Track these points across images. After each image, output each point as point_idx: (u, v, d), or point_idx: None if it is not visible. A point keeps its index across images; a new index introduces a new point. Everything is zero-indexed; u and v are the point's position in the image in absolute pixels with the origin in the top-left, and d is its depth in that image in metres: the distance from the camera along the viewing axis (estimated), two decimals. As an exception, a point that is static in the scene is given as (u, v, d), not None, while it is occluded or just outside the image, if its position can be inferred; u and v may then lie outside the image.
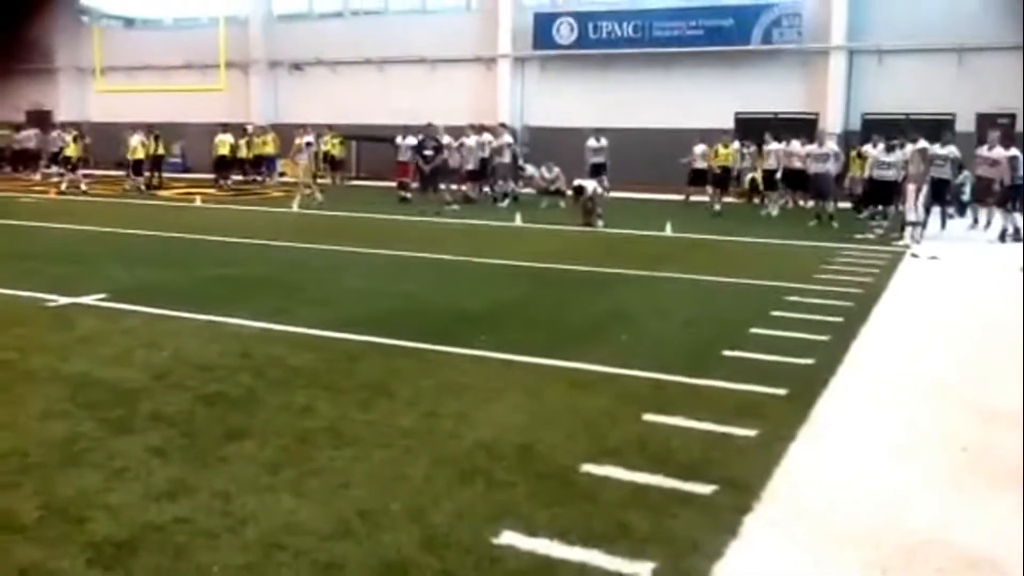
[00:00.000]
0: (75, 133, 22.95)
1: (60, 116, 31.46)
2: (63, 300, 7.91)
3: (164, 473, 4.02)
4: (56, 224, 14.47)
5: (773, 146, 18.56)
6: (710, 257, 11.69)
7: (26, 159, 27.24)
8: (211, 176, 24.44)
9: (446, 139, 19.35)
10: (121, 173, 23.60)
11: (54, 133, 25.16)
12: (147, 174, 22.86)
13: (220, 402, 5.06)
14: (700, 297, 8.80)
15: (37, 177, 25.01)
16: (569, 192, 15.85)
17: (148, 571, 3.15)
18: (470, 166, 20.19)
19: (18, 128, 28.66)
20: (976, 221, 16.42)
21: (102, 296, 8.08)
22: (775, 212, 17.30)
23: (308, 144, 20.58)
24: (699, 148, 20.01)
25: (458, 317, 7.65)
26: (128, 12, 33.24)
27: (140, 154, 22.29)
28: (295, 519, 3.54)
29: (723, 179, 19.48)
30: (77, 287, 8.40)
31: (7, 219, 15.03)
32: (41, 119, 31.01)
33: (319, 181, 24.50)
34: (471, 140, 20.30)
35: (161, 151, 24.50)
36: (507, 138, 20.36)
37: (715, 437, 4.53)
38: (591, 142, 21.02)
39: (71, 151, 22.21)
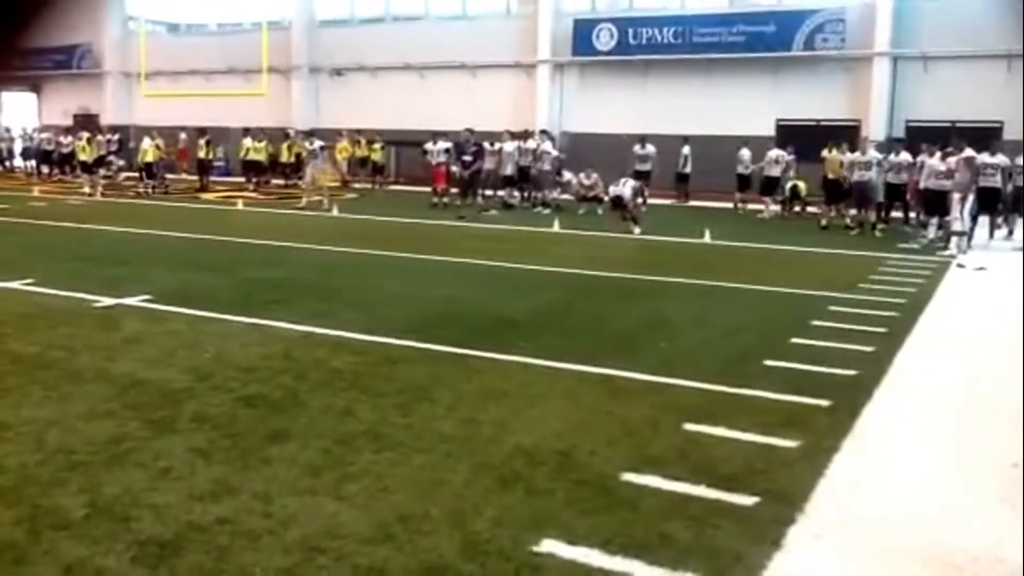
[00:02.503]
0: (87, 136, 23.44)
1: (107, 120, 32.05)
2: (109, 301, 8.04)
3: (207, 474, 4.06)
4: (101, 226, 14.71)
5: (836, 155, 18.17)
6: (751, 265, 11.58)
7: (72, 162, 27.73)
8: (254, 180, 24.73)
9: (485, 145, 19.40)
10: (171, 176, 24.06)
11: (85, 136, 25.52)
12: (159, 178, 23.24)
13: (262, 404, 5.11)
14: (741, 306, 8.71)
15: (82, 179, 25.43)
16: (607, 198, 15.78)
17: (191, 571, 3.18)
18: (508, 171, 20.22)
19: (67, 132, 29.23)
20: (1011, 232, 16.03)
21: (147, 297, 8.20)
22: (823, 221, 17.04)
23: (319, 150, 20.90)
24: (745, 153, 19.97)
25: (497, 322, 7.66)
26: (173, 18, 33.76)
27: (151, 157, 22.66)
28: (335, 522, 3.56)
29: (770, 186, 19.33)
30: (122, 288, 8.54)
31: (55, 221, 15.33)
32: (88, 123, 31.63)
33: (353, 185, 24.78)
34: (509, 145, 20.33)
35: (210, 155, 24.85)
36: (547, 145, 20.35)
37: (757, 448, 4.48)
38: (636, 149, 20.99)
39: (85, 154, 22.71)
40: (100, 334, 6.87)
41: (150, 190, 22.41)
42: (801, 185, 19.29)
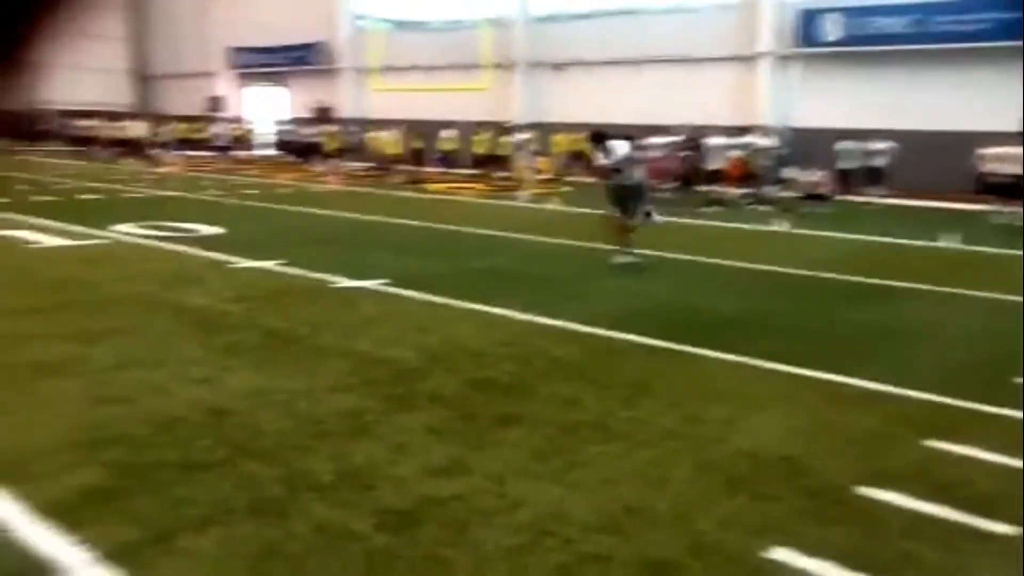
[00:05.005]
0: (330, 128, 25.17)
1: (342, 113, 34.26)
2: (347, 283, 8.61)
3: (441, 451, 4.28)
4: (338, 212, 15.74)
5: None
6: (995, 274, 10.68)
7: (311, 151, 29.93)
8: (474, 172, 25.64)
9: (705, 140, 19.05)
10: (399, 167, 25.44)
11: (327, 128, 27.36)
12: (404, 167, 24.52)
13: (491, 388, 5.31)
14: (984, 317, 8.06)
15: (320, 168, 27.38)
16: (832, 195, 15.05)
17: (431, 541, 3.37)
18: (721, 166, 19.75)
19: (308, 123, 31.60)
20: None
21: (382, 281, 8.70)
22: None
23: (525, 144, 21.22)
24: (994, 152, 18.43)
25: (716, 321, 7.53)
26: (399, 16, 35.47)
27: (391, 149, 23.96)
28: (562, 508, 3.65)
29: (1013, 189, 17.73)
30: (358, 271, 9.11)
31: (299, 206, 16.57)
32: (324, 115, 34.06)
33: (565, 179, 25.06)
34: (723, 140, 19.85)
35: (447, 147, 26.14)
36: (767, 140, 19.70)
37: (1010, 472, 4.15)
38: (868, 145, 19.99)
39: (329, 144, 24.40)
40: (341, 313, 7.38)
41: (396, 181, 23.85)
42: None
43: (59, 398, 4.95)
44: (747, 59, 26.32)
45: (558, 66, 30.28)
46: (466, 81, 28.90)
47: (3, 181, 20.22)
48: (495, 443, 4.38)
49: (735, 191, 19.81)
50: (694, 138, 19.25)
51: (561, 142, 26.14)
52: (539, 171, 24.07)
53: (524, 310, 7.43)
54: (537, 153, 24.76)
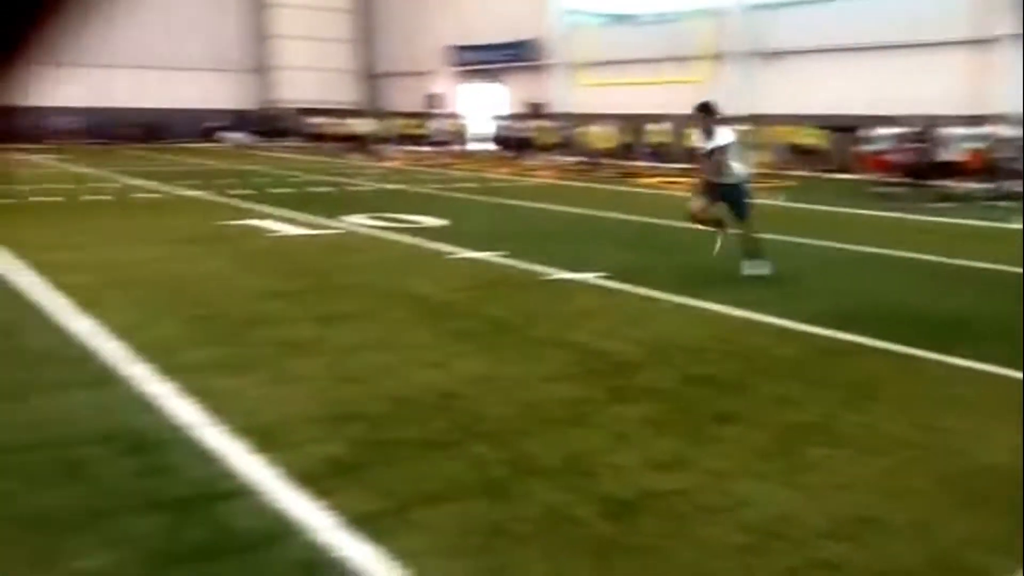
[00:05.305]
0: (542, 123, 25.53)
1: (553, 108, 34.81)
2: (563, 275, 8.77)
3: (660, 444, 4.29)
4: (552, 206, 16.01)
5: None
6: None
7: (524, 146, 30.66)
8: (686, 166, 25.29)
9: (938, 130, 17.80)
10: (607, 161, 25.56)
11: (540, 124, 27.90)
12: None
13: (708, 384, 5.25)
14: None
15: (534, 162, 27.98)
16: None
17: (653, 533, 3.38)
18: (956, 159, 18.35)
19: (522, 117, 32.40)
20: None
21: (595, 274, 8.79)
22: None
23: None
24: None
25: (945, 323, 7.01)
26: (609, 10, 35.47)
27: (604, 144, 24.03)
28: (790, 510, 3.56)
29: None
30: (573, 264, 9.24)
31: (515, 200, 17.02)
32: (537, 110, 34.77)
33: (785, 173, 24.13)
34: (960, 131, 18.43)
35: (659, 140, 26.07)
36: (1012, 130, 18.12)
37: None
38: None
39: (542, 139, 24.78)
40: (557, 304, 7.53)
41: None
42: None
43: (304, 376, 5.38)
44: (983, 42, 24.27)
45: (774, 55, 29.25)
46: (677, 73, 28.50)
47: (247, 175, 22.13)
48: (715, 439, 4.33)
49: (971, 185, 18.38)
50: (924, 129, 18.03)
51: (779, 134, 25.24)
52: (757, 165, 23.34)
53: (739, 306, 7.27)
54: (754, 147, 24.03)
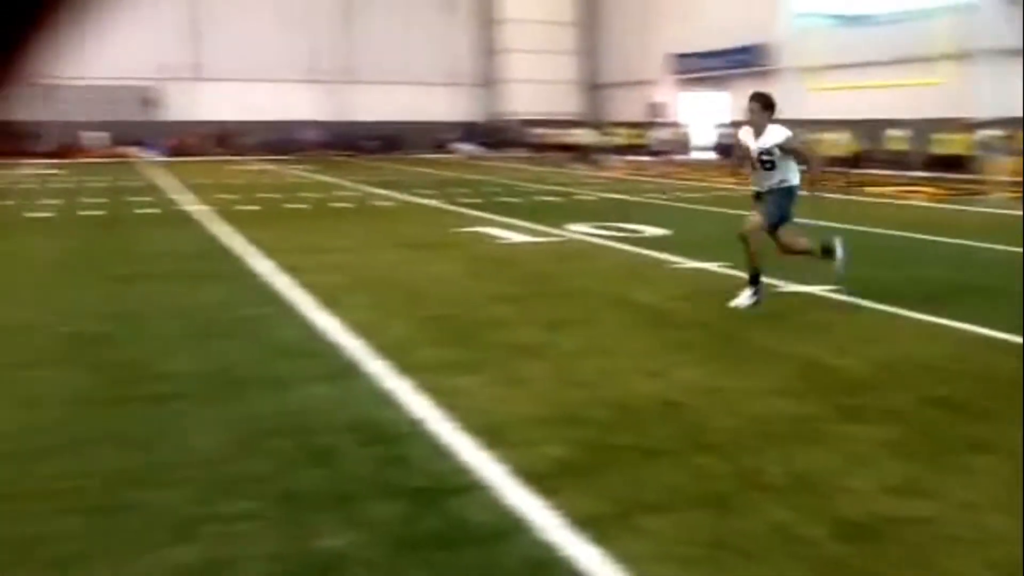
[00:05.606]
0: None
1: (783, 114, 33.57)
2: (791, 287, 8.45)
3: (898, 469, 4.05)
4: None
5: None
6: None
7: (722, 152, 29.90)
8: (924, 174, 23.67)
9: None
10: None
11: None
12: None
13: (950, 407, 4.90)
14: None
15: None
16: None
17: (892, 561, 3.22)
18: None
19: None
20: None
21: (824, 288, 8.41)
22: None
23: (991, 141, 18.67)
24: None
25: None
26: (841, 11, 33.74)
27: (837, 151, 22.92)
28: (1049, 550, 3.26)
29: None
30: (801, 276, 8.83)
31: (737, 210, 16.59)
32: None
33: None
34: None
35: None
36: None
37: None
38: None
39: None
40: (784, 317, 7.28)
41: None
42: None
43: (531, 378, 5.54)
44: None
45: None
46: (915, 76, 26.71)
47: (475, 184, 23.05)
48: (962, 469, 4.04)
49: None
50: None
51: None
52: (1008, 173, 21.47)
53: (981, 324, 6.73)
54: (1010, 152, 22.10)
